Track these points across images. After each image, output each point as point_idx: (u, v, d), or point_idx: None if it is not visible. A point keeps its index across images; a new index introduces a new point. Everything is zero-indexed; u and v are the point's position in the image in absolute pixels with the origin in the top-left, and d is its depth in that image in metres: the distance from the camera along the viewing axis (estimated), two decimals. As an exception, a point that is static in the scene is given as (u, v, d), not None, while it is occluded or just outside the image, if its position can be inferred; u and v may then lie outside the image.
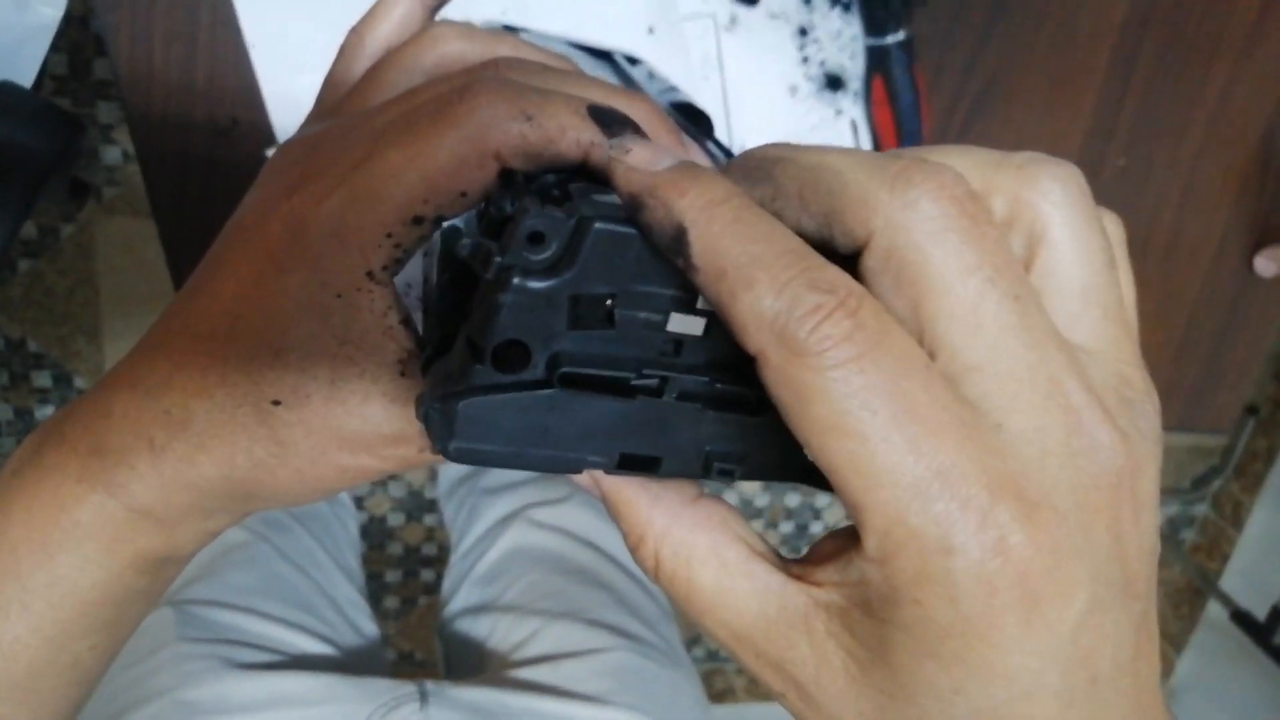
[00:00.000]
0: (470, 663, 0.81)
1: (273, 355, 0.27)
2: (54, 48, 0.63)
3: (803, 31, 0.67)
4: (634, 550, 0.26)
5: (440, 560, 1.87)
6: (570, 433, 0.24)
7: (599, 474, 0.26)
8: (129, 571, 0.30)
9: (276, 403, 0.27)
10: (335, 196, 0.27)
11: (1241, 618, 1.89)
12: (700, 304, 0.24)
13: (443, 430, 0.24)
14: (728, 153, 0.49)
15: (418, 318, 0.30)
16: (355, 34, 0.34)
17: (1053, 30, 0.71)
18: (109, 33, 0.59)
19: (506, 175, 0.27)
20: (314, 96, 0.36)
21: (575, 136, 0.26)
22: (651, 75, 0.63)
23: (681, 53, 0.65)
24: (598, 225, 0.23)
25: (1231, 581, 2.17)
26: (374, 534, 1.84)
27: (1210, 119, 0.76)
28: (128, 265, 1.51)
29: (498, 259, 0.23)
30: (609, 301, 0.23)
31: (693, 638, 2.06)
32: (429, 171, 0.26)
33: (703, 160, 0.31)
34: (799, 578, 0.23)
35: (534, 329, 0.23)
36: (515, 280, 0.22)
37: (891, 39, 0.66)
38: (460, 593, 0.88)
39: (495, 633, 0.79)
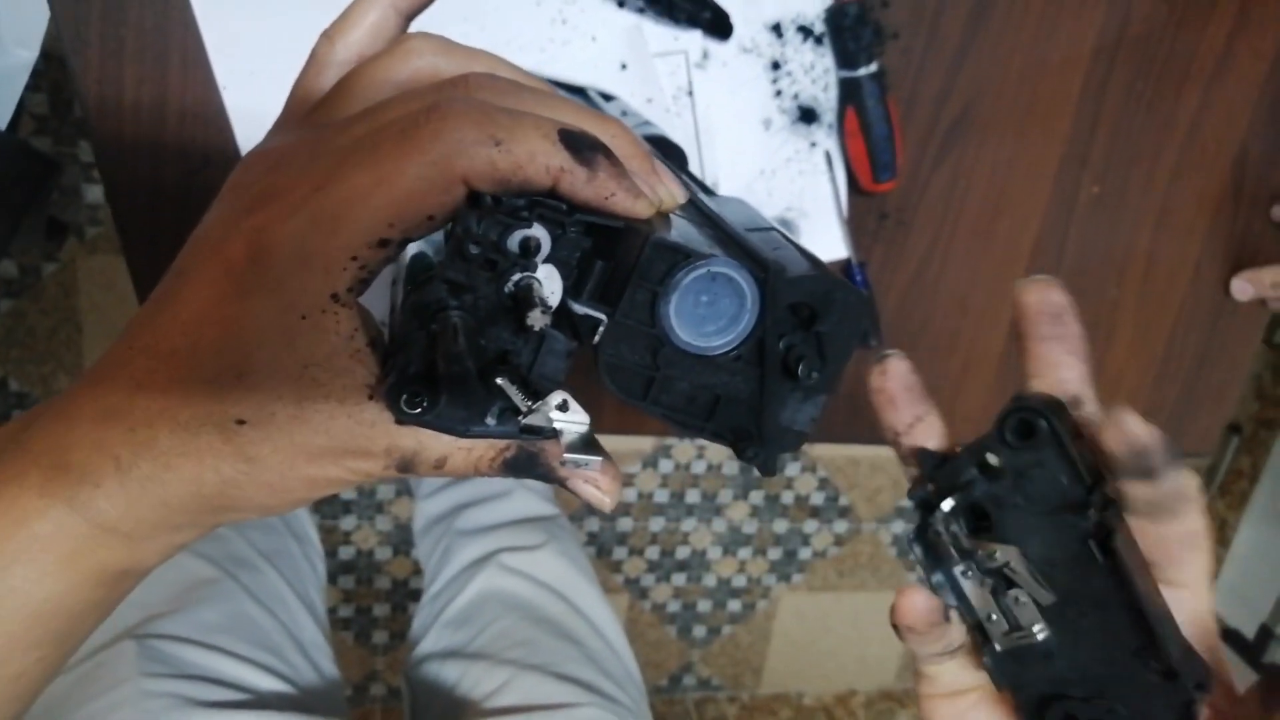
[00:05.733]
0: (438, 709, 0.79)
1: (236, 377, 0.27)
2: (34, 87, 0.62)
3: (775, 65, 0.67)
4: None
5: (428, 594, 1.85)
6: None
7: None
8: (87, 584, 0.29)
9: (241, 422, 0.27)
10: (298, 218, 0.26)
11: (1230, 636, 1.89)
12: None
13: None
14: (703, 186, 0.49)
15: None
16: (326, 39, 0.33)
17: (1025, 59, 0.72)
18: (77, 74, 0.58)
19: (474, 197, 0.26)
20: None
21: (545, 162, 0.26)
22: (625, 112, 0.63)
23: (654, 88, 0.65)
24: None
25: (1219, 600, 2.16)
26: (361, 568, 1.82)
27: (1183, 145, 0.77)
28: (110, 303, 1.50)
29: None
30: None
31: (674, 676, 2.05)
32: (395, 195, 0.26)
33: (675, 184, 0.31)
34: None
35: None
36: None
37: (864, 71, 0.66)
38: (430, 635, 0.87)
39: (465, 680, 0.78)
